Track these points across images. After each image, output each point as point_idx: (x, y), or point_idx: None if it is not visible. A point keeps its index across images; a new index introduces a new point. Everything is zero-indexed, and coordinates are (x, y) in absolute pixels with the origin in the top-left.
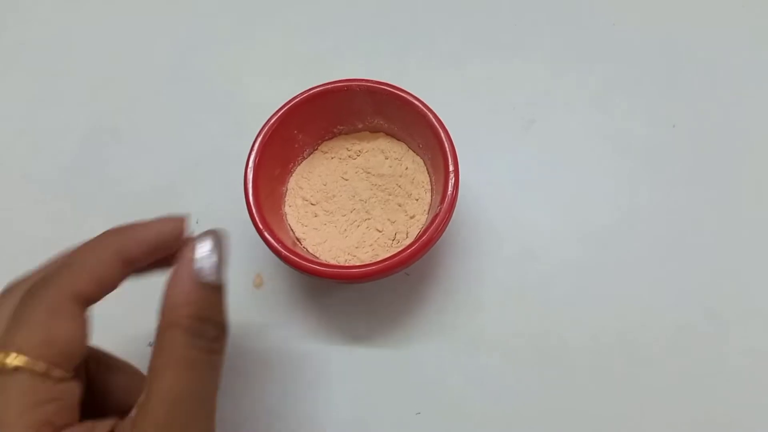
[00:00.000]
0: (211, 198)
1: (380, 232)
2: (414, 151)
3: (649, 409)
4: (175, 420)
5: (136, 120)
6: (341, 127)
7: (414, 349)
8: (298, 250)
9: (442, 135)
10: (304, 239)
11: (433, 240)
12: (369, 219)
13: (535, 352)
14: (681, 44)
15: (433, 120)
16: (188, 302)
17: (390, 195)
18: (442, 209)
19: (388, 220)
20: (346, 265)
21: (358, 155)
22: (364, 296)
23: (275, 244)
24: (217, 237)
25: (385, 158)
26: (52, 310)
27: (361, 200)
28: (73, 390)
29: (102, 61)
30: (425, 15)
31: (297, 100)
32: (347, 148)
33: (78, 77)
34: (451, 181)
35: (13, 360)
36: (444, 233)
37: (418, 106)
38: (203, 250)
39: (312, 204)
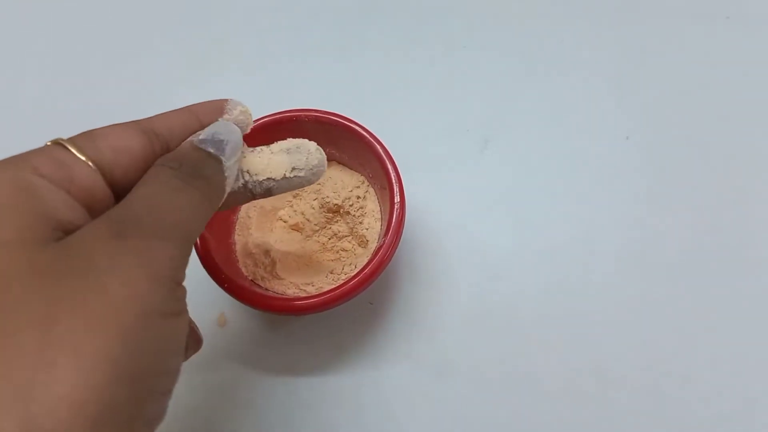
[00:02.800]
0: None
1: (332, 261)
2: (366, 180)
3: (620, 429)
4: (145, 218)
5: None
6: None
7: (379, 375)
8: (258, 277)
9: (389, 166)
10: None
11: (377, 272)
12: (321, 249)
13: (499, 374)
14: (630, 56)
15: (380, 150)
16: (182, 156)
17: (342, 224)
18: (386, 241)
19: (342, 249)
20: (290, 297)
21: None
22: (328, 326)
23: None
24: (231, 126)
25: (337, 187)
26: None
27: (313, 229)
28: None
29: (55, 107)
30: (375, 43)
31: None
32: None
33: (24, 121)
34: (396, 212)
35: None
36: (406, 260)
37: (365, 137)
38: (212, 128)
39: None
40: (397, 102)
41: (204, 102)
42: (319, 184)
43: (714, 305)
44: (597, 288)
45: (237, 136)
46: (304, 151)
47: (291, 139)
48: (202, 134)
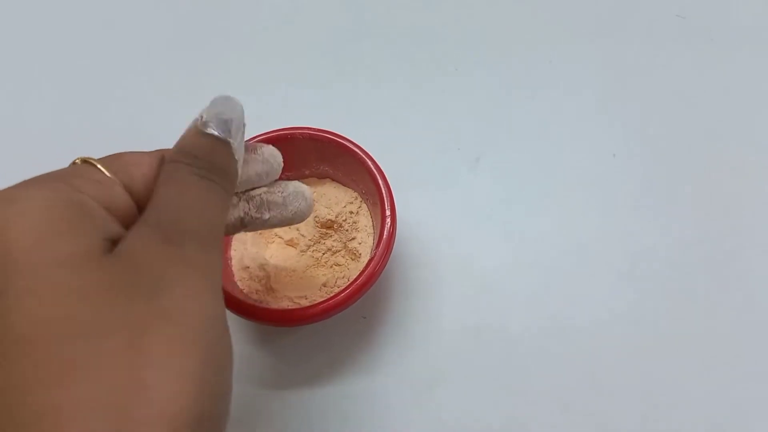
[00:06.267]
0: None
1: (326, 275)
2: (359, 196)
3: None
4: (181, 219)
5: None
6: (289, 174)
7: (372, 387)
8: (253, 290)
9: (380, 180)
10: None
11: (368, 284)
12: (315, 264)
13: (491, 386)
14: (617, 75)
15: (371, 166)
16: (192, 146)
17: (335, 239)
18: (377, 254)
19: (335, 264)
20: (284, 308)
21: None
22: (322, 340)
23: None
24: (232, 102)
25: (331, 203)
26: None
27: (307, 244)
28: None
29: (54, 129)
30: (369, 64)
31: None
32: None
33: (29, 145)
34: (387, 226)
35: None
36: (398, 274)
37: (357, 153)
38: (213, 107)
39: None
40: (390, 121)
41: None
42: (314, 200)
43: (703, 317)
44: (586, 301)
45: (239, 110)
46: (300, 197)
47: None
48: (205, 115)
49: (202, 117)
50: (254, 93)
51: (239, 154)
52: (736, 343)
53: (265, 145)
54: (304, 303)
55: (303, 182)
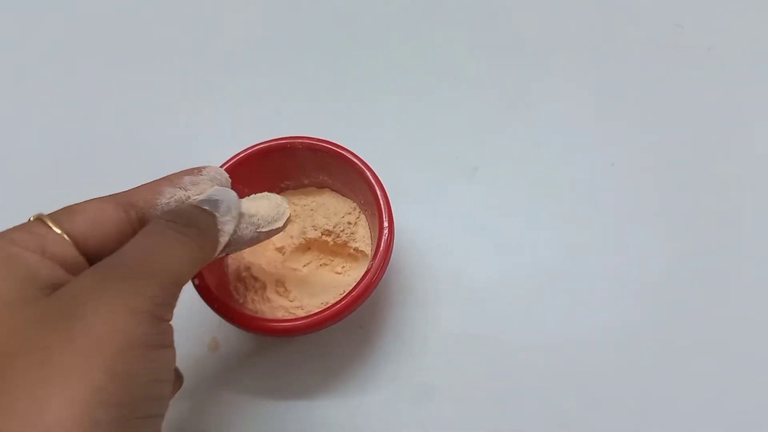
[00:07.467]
0: None
1: (323, 285)
2: (357, 206)
3: None
4: (133, 262)
5: (85, 190)
6: (288, 183)
7: (368, 398)
8: (249, 300)
9: (378, 191)
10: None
11: (365, 294)
12: (312, 274)
13: (486, 397)
14: (614, 85)
15: (370, 177)
16: (177, 210)
17: (334, 251)
18: (374, 264)
19: (333, 272)
20: (280, 319)
21: (303, 210)
22: (319, 350)
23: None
24: (227, 190)
25: (329, 213)
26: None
27: (304, 254)
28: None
29: (54, 140)
30: (368, 75)
31: (240, 156)
32: (294, 203)
33: (23, 158)
34: (384, 237)
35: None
36: (395, 284)
37: (356, 163)
38: (208, 192)
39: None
40: (388, 132)
41: (181, 171)
42: (312, 210)
43: (699, 329)
44: (583, 312)
45: (232, 196)
46: (274, 203)
47: (255, 194)
48: (201, 196)
49: (197, 197)
50: (254, 103)
51: (226, 229)
52: (733, 355)
53: (208, 166)
54: (301, 313)
55: (302, 192)
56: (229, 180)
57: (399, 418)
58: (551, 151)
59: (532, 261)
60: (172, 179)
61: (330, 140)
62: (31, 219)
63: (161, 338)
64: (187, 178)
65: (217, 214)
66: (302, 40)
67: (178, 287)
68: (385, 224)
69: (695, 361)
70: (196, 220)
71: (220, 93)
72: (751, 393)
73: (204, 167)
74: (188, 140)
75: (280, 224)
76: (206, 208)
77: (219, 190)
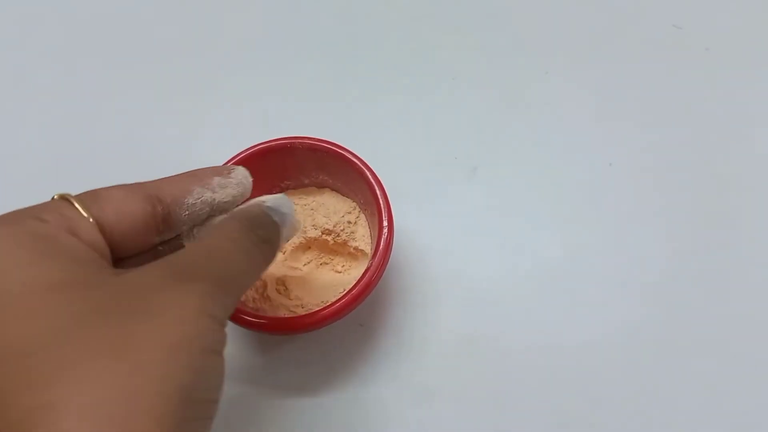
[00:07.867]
0: None
1: (323, 284)
2: (358, 206)
3: None
4: (207, 265)
5: (85, 190)
6: (288, 182)
7: (368, 396)
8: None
9: (377, 191)
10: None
11: (365, 293)
12: (312, 273)
13: (486, 397)
14: (613, 85)
15: (369, 176)
16: (257, 218)
17: (334, 250)
18: (374, 263)
19: (334, 271)
20: (281, 317)
21: (304, 210)
22: (319, 348)
23: None
24: (289, 201)
25: (329, 213)
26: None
27: (304, 253)
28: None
29: (54, 140)
30: (367, 72)
31: (240, 156)
32: (294, 203)
33: (23, 158)
34: (384, 236)
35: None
36: (395, 284)
37: (355, 163)
38: (276, 199)
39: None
40: (388, 131)
41: (209, 168)
42: (312, 209)
43: (699, 329)
44: (583, 312)
45: (292, 208)
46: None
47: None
48: (269, 201)
49: (265, 202)
50: (254, 103)
51: (283, 240)
52: (733, 355)
53: (238, 168)
54: (301, 311)
55: (302, 191)
56: (252, 184)
57: (400, 416)
58: (551, 151)
59: (532, 261)
60: (201, 178)
61: (330, 140)
62: (55, 197)
63: (221, 345)
64: (216, 180)
65: (284, 229)
66: (302, 40)
67: (239, 300)
68: (385, 223)
69: (695, 361)
70: (271, 234)
71: (220, 93)
72: (751, 393)
73: (233, 168)
74: (188, 140)
75: (299, 230)
76: (276, 219)
77: (284, 201)
